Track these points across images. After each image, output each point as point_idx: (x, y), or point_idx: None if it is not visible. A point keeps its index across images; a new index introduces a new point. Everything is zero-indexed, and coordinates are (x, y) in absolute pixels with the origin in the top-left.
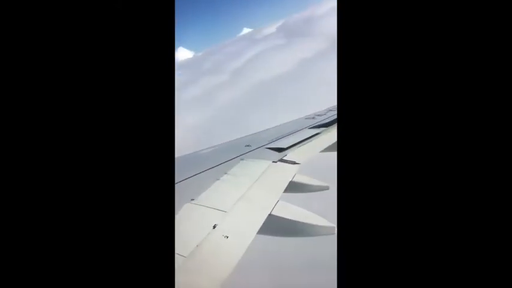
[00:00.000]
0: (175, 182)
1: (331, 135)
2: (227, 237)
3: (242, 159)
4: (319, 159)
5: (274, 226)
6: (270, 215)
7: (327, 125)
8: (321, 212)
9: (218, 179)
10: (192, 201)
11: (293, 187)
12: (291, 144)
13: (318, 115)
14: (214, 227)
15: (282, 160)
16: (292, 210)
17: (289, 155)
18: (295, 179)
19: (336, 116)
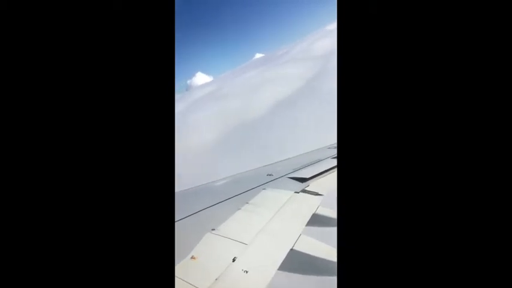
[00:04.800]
0: (197, 210)
1: None
2: (247, 272)
3: (264, 189)
4: None
5: (296, 262)
6: (291, 249)
7: None
8: None
9: (239, 209)
10: (213, 231)
11: (316, 220)
12: (313, 174)
13: None
14: (234, 260)
15: (304, 191)
16: (315, 246)
17: (312, 186)
18: (319, 212)
19: None
